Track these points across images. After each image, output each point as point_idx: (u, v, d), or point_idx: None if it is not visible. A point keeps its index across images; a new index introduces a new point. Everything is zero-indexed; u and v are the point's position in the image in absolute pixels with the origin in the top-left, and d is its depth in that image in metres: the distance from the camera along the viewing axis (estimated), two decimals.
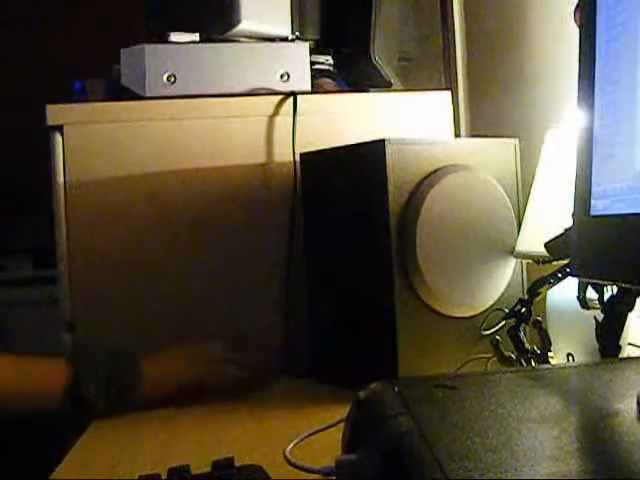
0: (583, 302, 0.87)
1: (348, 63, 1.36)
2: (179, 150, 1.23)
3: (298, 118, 1.25)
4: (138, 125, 1.22)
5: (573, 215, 0.65)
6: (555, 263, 0.93)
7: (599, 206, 0.61)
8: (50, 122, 1.19)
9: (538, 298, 0.98)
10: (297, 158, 1.23)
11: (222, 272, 1.24)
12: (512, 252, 1.10)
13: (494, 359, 1.00)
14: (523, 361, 0.96)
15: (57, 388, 0.96)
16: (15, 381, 0.97)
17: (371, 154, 1.04)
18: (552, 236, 0.90)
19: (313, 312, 1.19)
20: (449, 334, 1.07)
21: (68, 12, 2.71)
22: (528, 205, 1.08)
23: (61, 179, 1.19)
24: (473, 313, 1.09)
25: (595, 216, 0.61)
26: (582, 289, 0.87)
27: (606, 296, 0.82)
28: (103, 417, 0.98)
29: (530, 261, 1.08)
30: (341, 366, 1.12)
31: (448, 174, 1.06)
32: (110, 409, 0.98)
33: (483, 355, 1.05)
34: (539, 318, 0.97)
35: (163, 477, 0.69)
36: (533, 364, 0.95)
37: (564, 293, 0.98)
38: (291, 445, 0.81)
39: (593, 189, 0.62)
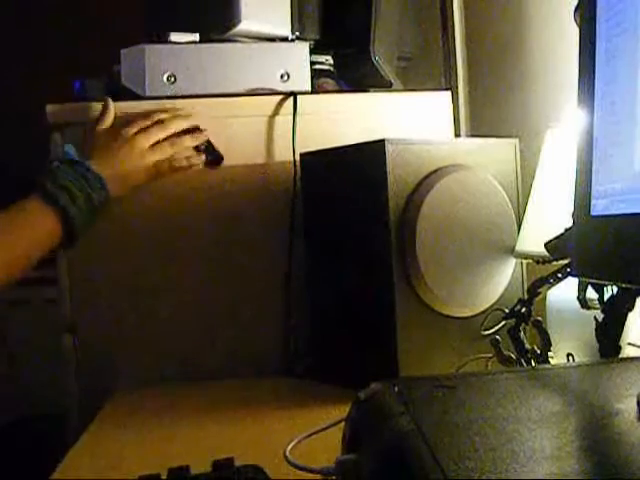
0: (583, 302, 0.87)
1: (348, 63, 1.36)
2: None
3: (298, 118, 1.24)
4: None
5: (573, 215, 0.65)
6: (555, 263, 0.93)
7: (599, 206, 0.61)
8: (50, 122, 1.19)
9: (538, 298, 0.98)
10: (297, 158, 1.23)
11: (222, 272, 1.24)
12: (512, 252, 1.10)
13: (494, 359, 1.00)
14: (523, 361, 0.96)
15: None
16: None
17: (371, 154, 1.04)
18: (552, 236, 0.90)
19: (313, 312, 1.19)
20: (449, 334, 1.07)
21: (68, 12, 2.71)
22: (528, 205, 1.08)
23: None
24: (473, 313, 1.09)
25: (595, 216, 0.61)
26: (582, 289, 0.87)
27: (606, 296, 0.82)
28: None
29: (530, 261, 1.08)
30: (341, 366, 1.12)
31: (448, 174, 1.06)
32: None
33: (483, 355, 1.05)
34: (539, 318, 0.97)
35: (163, 477, 0.69)
36: (533, 364, 0.95)
37: (564, 293, 0.98)
38: (291, 445, 0.81)
39: (593, 189, 0.62)
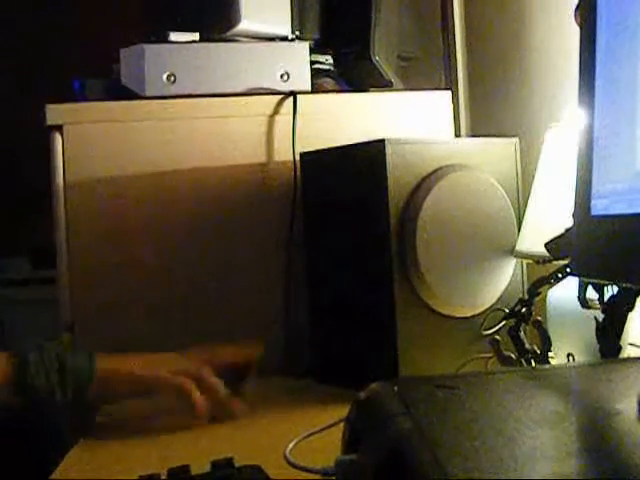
0: (583, 302, 0.87)
1: (348, 63, 1.36)
2: (179, 150, 1.23)
3: (298, 118, 1.24)
4: (138, 125, 1.22)
5: (573, 215, 0.65)
6: (555, 263, 0.93)
7: (599, 206, 0.61)
8: (50, 122, 1.19)
9: (538, 298, 0.98)
10: (297, 158, 1.23)
11: (222, 272, 1.24)
12: (512, 252, 1.10)
13: (494, 359, 1.00)
14: (523, 361, 0.96)
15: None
16: None
17: (371, 154, 1.04)
18: (552, 236, 0.90)
19: (313, 312, 1.19)
20: (449, 334, 1.07)
21: (68, 12, 2.71)
22: (528, 205, 1.07)
23: (61, 179, 1.19)
24: (473, 313, 1.09)
25: (595, 216, 0.61)
26: (582, 289, 0.87)
27: (606, 296, 0.82)
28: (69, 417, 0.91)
29: (530, 261, 1.08)
30: (341, 366, 1.12)
31: (448, 174, 1.06)
32: (69, 404, 0.89)
33: (483, 355, 1.05)
34: (539, 318, 0.97)
35: (163, 477, 0.68)
36: (533, 364, 0.95)
37: (564, 293, 0.98)
38: (291, 445, 0.81)
39: (593, 189, 0.62)
